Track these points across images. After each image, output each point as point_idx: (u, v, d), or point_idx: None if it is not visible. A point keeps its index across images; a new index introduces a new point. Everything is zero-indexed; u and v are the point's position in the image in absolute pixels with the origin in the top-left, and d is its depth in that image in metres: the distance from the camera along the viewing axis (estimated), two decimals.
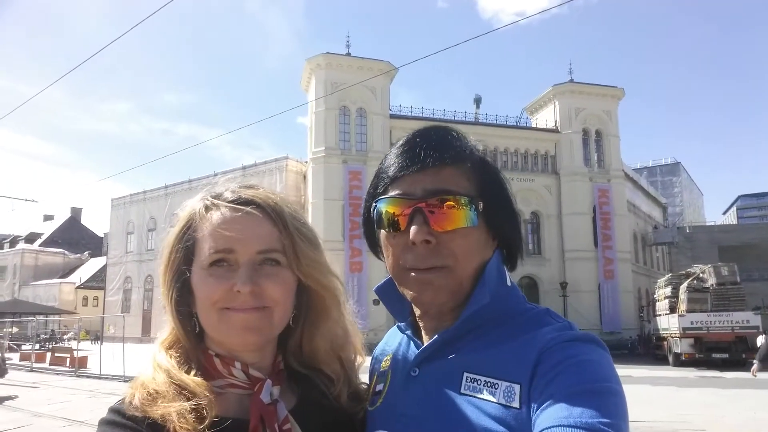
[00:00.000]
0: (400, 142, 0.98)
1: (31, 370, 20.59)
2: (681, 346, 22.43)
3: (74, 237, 76.44)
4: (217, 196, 0.95)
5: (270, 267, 0.92)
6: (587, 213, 39.51)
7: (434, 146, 0.92)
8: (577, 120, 40.55)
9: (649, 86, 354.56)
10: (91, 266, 65.28)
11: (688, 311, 22.66)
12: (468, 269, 0.92)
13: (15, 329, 33.53)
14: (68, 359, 21.23)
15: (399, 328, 1.10)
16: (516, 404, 0.81)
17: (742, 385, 15.97)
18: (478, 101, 43.95)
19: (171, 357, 0.93)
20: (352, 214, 34.37)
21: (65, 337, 37.50)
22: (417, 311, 1.02)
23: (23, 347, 28.17)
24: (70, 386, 15.62)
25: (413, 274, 0.92)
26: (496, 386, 0.84)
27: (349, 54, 37.41)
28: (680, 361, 22.41)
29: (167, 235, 0.98)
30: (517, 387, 0.82)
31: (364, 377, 1.15)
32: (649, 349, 28.90)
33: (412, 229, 0.89)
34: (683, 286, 23.68)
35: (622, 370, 20.37)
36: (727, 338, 21.85)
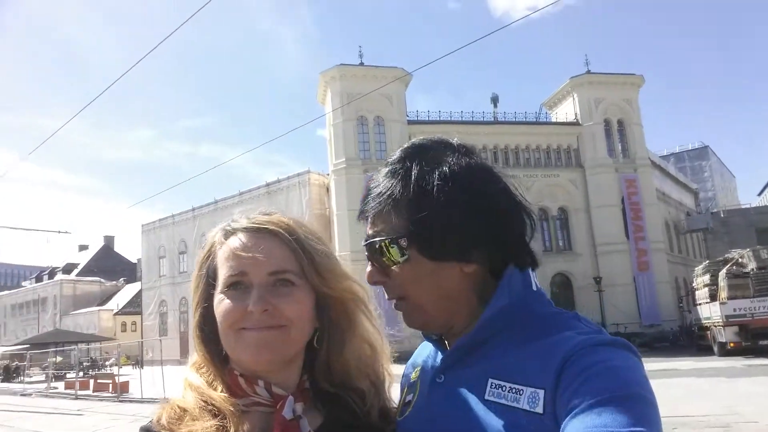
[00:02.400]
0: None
1: (76, 398, 20.97)
2: (725, 335, 21.73)
3: (109, 265, 78.12)
4: (235, 223, 1.01)
5: (283, 287, 0.94)
6: (616, 204, 38.89)
7: (370, 195, 1.00)
8: (598, 111, 40.04)
9: (669, 69, 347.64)
10: (127, 292, 66.55)
11: (730, 298, 21.88)
12: (423, 297, 0.96)
13: (59, 358, 34.32)
14: (110, 385, 21.55)
15: (427, 338, 1.11)
16: (539, 410, 0.79)
17: None
18: (495, 100, 43.62)
19: (201, 376, 0.99)
20: None
21: (107, 363, 38.20)
22: None
23: (67, 376, 28.76)
24: (114, 412, 15.88)
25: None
26: (521, 392, 0.83)
27: (362, 64, 37.63)
28: (726, 351, 21.72)
29: (196, 264, 1.04)
30: (541, 392, 0.80)
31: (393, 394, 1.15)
32: (692, 340, 28.12)
33: (367, 274, 1.01)
34: (722, 273, 22.89)
35: (666, 364, 20.07)
36: None
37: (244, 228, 0.98)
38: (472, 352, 0.94)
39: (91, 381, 23.75)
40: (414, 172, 0.96)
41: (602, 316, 35.29)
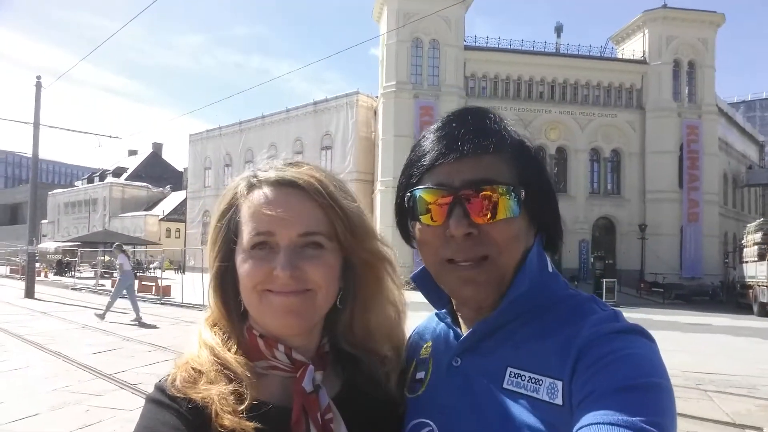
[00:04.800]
0: (435, 127, 0.94)
1: (121, 297, 21.94)
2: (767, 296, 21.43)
3: (156, 171, 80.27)
4: (261, 174, 0.93)
5: (312, 250, 0.90)
6: (673, 151, 37.18)
7: (473, 132, 0.88)
8: (668, 50, 37.52)
9: (749, 9, 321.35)
10: (172, 199, 68.48)
11: None
12: (511, 260, 0.89)
13: (107, 257, 35.95)
14: (154, 287, 22.51)
15: (438, 315, 1.06)
16: (559, 401, 0.79)
17: None
18: (559, 30, 41.32)
19: (216, 334, 0.93)
20: None
21: (151, 266, 39.86)
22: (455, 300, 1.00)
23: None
24: (156, 313, 16.56)
25: (454, 269, 0.89)
26: (540, 383, 0.82)
27: None
28: (766, 311, 21.61)
29: (213, 214, 0.97)
30: (560, 383, 0.80)
31: None
32: (732, 297, 27.61)
33: (452, 221, 0.86)
34: None
35: (702, 318, 19.73)
36: None
37: (272, 181, 0.91)
38: (490, 337, 0.91)
39: (136, 282, 24.74)
40: (511, 129, 0.93)
41: (642, 263, 34.70)
